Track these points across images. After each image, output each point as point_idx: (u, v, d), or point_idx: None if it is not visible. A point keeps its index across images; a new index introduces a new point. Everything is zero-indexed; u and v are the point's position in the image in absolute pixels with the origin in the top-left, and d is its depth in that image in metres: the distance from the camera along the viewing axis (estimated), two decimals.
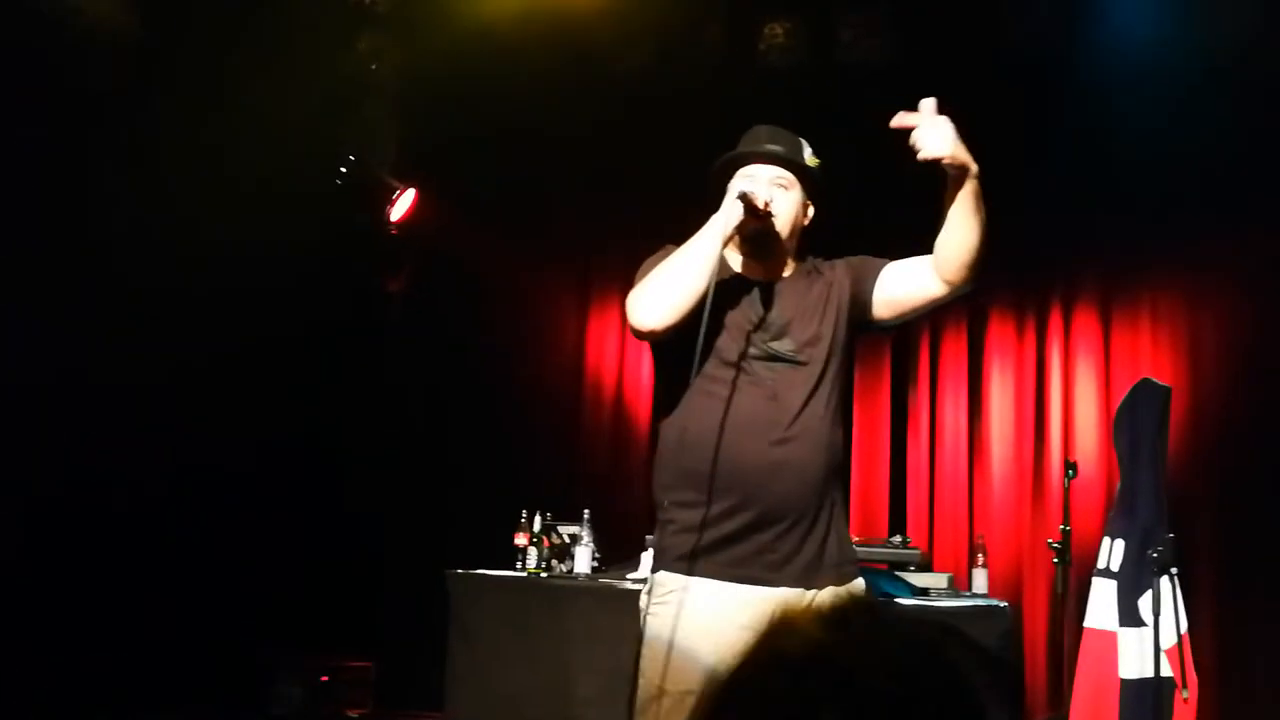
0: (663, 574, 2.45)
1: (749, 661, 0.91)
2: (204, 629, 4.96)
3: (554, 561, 4.67)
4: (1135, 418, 4.44)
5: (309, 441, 5.60)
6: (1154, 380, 4.59)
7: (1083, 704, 4.25)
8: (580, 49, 5.75)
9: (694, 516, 2.42)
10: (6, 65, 4.13)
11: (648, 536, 4.55)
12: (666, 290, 2.41)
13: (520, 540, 4.66)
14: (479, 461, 5.83)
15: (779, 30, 5.46)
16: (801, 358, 2.47)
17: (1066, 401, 5.41)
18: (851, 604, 0.98)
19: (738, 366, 2.46)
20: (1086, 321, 5.44)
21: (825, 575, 2.43)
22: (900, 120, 2.35)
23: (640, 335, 2.48)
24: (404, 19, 5.72)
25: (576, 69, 5.79)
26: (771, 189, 2.53)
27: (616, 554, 4.76)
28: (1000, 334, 5.55)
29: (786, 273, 2.60)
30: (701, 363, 2.42)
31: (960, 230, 2.42)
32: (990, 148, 5.37)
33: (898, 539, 4.71)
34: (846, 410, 2.69)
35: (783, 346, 2.48)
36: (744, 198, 2.43)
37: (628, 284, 6.00)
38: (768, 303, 2.51)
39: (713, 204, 2.64)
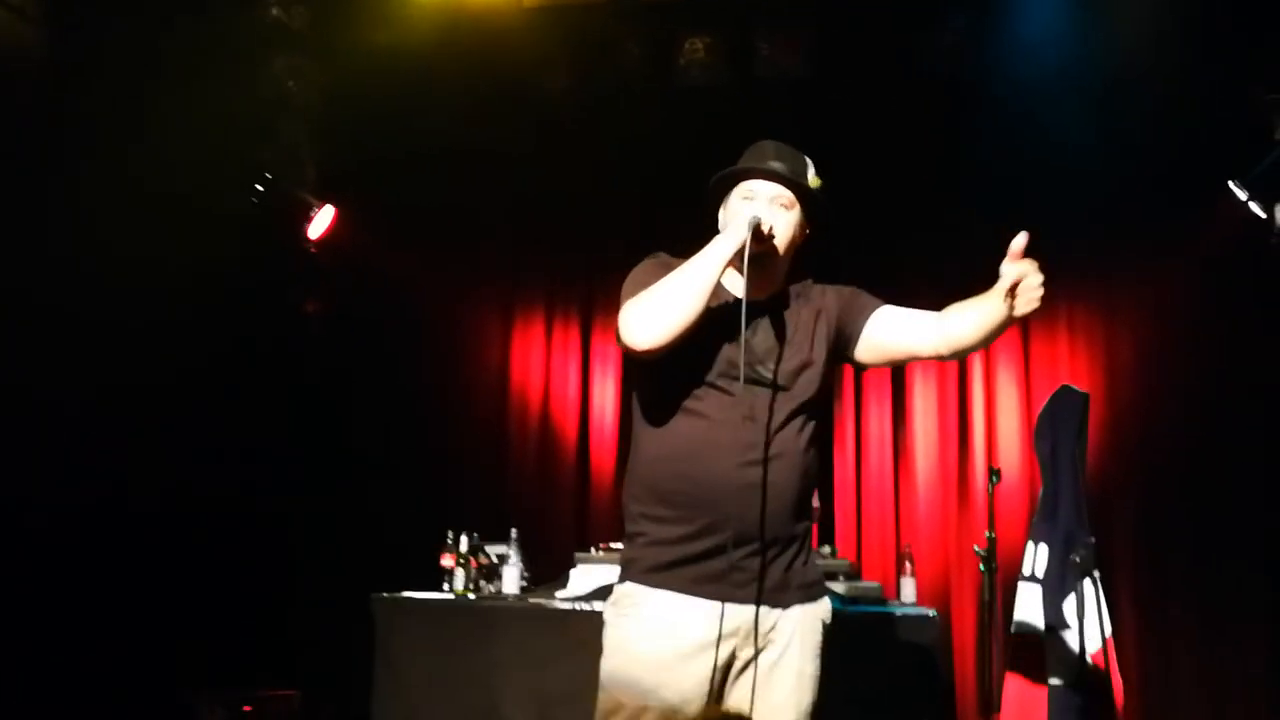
0: (629, 585, 2.43)
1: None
2: (122, 662, 4.81)
3: (482, 582, 4.60)
4: (1055, 424, 4.51)
5: (226, 464, 5.47)
6: (1073, 387, 4.67)
7: (1012, 709, 4.28)
8: (498, 69, 5.74)
9: (664, 531, 2.41)
10: None
11: (576, 554, 4.52)
12: (665, 311, 2.37)
13: (447, 561, 4.58)
14: (403, 482, 5.75)
15: (699, 45, 5.49)
16: (783, 382, 2.45)
17: (989, 409, 5.49)
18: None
19: (718, 386, 2.43)
20: (1006, 333, 5.52)
21: (793, 595, 2.43)
22: (1016, 254, 2.33)
23: (632, 353, 2.43)
24: (321, 38, 5.66)
25: (495, 88, 5.78)
26: (772, 208, 2.51)
27: (545, 573, 4.71)
28: None
29: (775, 293, 2.57)
30: (682, 380, 2.42)
31: (982, 336, 2.45)
32: (905, 159, 5.57)
33: (826, 549, 4.72)
34: (824, 436, 2.67)
35: (765, 370, 2.46)
36: (755, 224, 2.41)
37: (551, 300, 6.13)
38: (754, 324, 2.48)
39: (707, 217, 2.64)
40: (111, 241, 4.59)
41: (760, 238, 2.43)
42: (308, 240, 5.68)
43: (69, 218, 4.51)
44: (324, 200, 5.72)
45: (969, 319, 2.45)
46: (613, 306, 2.56)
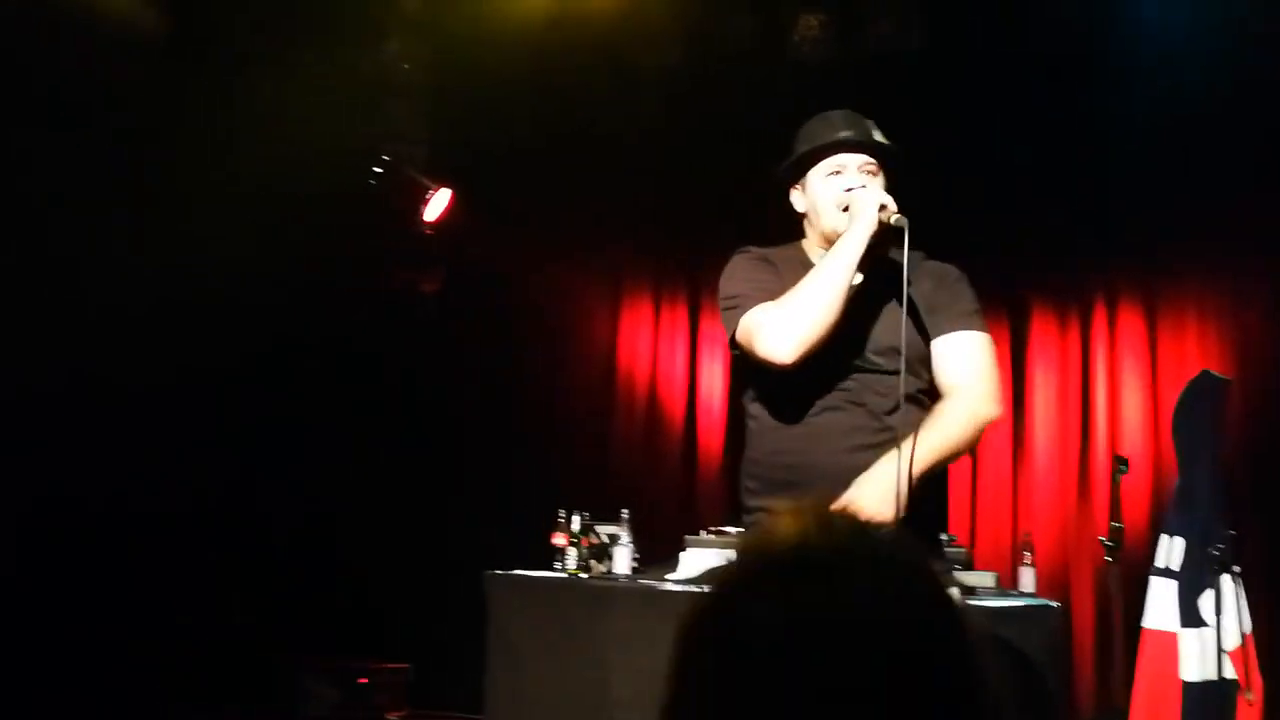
0: None
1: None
2: (241, 632, 4.94)
3: (593, 562, 4.61)
4: (1194, 412, 4.31)
5: (345, 443, 5.57)
6: (1213, 373, 4.45)
7: (1143, 706, 4.12)
8: (610, 49, 5.71)
9: None
10: (30, 68, 4.12)
11: (685, 536, 4.50)
12: (806, 323, 2.32)
13: (559, 541, 4.61)
14: (515, 461, 5.79)
15: (813, 23, 5.38)
16: (886, 365, 2.40)
17: (1112, 397, 5.29)
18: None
19: (829, 374, 2.40)
20: (1131, 316, 5.33)
21: None
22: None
23: (769, 364, 2.38)
24: (434, 20, 5.69)
25: (607, 69, 5.76)
26: (864, 178, 2.44)
27: (651, 555, 4.70)
28: (1043, 329, 5.45)
29: (867, 272, 2.45)
30: (795, 372, 2.37)
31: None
32: (1025, 137, 5.39)
33: (943, 537, 4.61)
34: None
35: (867, 353, 2.41)
36: (884, 216, 2.35)
37: (658, 282, 6.07)
38: (852, 307, 2.40)
39: (781, 195, 2.57)
40: (226, 227, 4.68)
41: (884, 226, 2.37)
42: (423, 223, 5.74)
43: (185, 204, 4.61)
44: (439, 183, 5.77)
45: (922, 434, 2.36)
46: (718, 285, 2.53)
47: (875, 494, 2.22)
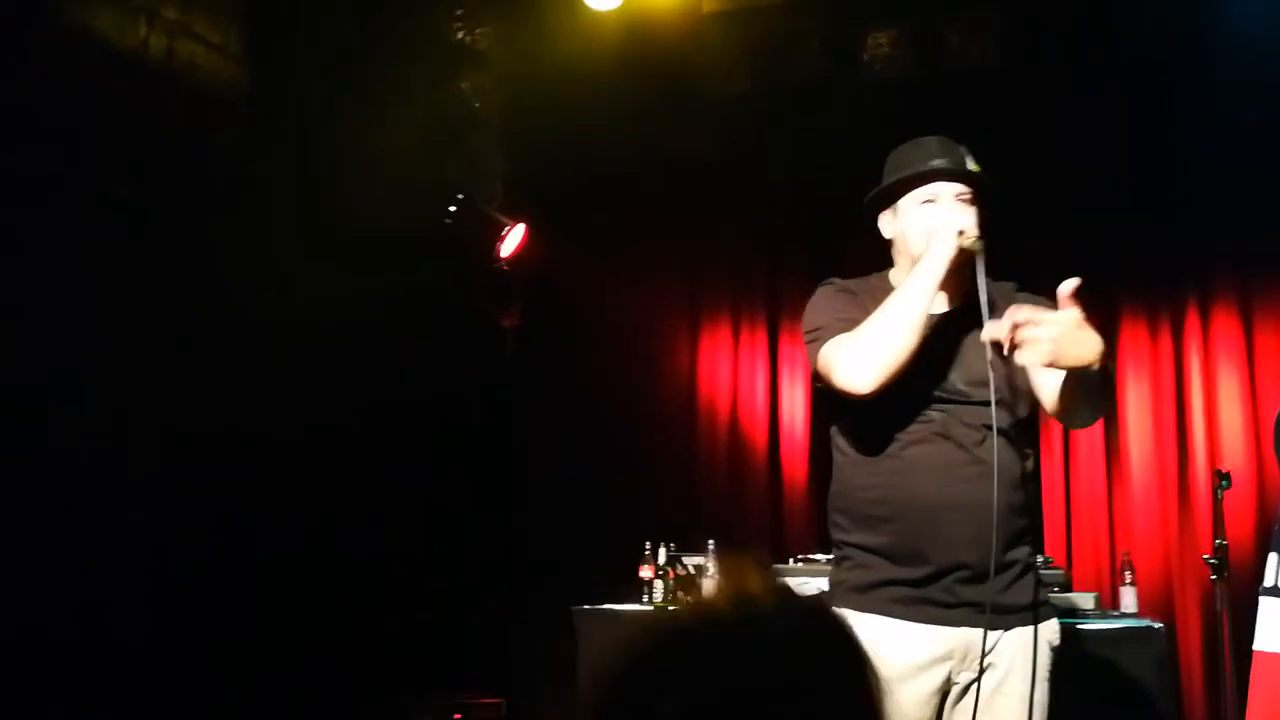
0: (837, 610, 2.38)
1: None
2: (337, 666, 4.99)
3: (680, 593, 4.58)
4: None
5: (431, 478, 5.62)
6: None
7: None
8: (679, 77, 5.73)
9: (871, 558, 2.36)
10: (124, 127, 4.23)
11: (774, 565, 4.45)
12: (883, 351, 2.28)
13: (645, 573, 4.59)
14: (601, 494, 5.79)
15: (883, 40, 5.33)
16: (974, 395, 2.34)
17: (1209, 407, 5.13)
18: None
19: (917, 405, 2.36)
20: (1226, 322, 5.17)
21: (1013, 617, 2.31)
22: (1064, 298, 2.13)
23: (846, 395, 2.35)
24: (505, 57, 5.76)
25: (676, 96, 5.76)
26: (959, 207, 2.40)
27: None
28: (1133, 337, 5.31)
29: (966, 300, 2.41)
30: (881, 404, 2.33)
31: (1069, 389, 2.28)
32: (1111, 145, 5.28)
33: (1039, 559, 4.49)
34: (1034, 442, 2.54)
35: (964, 385, 2.37)
36: (962, 241, 2.32)
37: (736, 309, 6.05)
38: (938, 336, 2.37)
39: (869, 224, 2.55)
40: (310, 269, 4.76)
41: (962, 251, 2.33)
42: (500, 258, 5.78)
43: (270, 248, 4.69)
44: (514, 218, 5.81)
45: (1061, 395, 2.31)
46: (797, 310, 2.50)
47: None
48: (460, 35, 5.69)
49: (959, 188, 2.41)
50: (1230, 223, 5.09)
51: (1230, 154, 4.98)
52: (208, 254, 4.47)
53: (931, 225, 2.37)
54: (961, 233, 2.32)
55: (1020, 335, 2.07)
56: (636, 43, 5.51)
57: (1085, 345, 2.07)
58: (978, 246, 2.30)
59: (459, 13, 5.63)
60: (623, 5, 5.32)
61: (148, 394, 4.24)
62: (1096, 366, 2.10)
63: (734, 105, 5.77)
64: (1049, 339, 2.05)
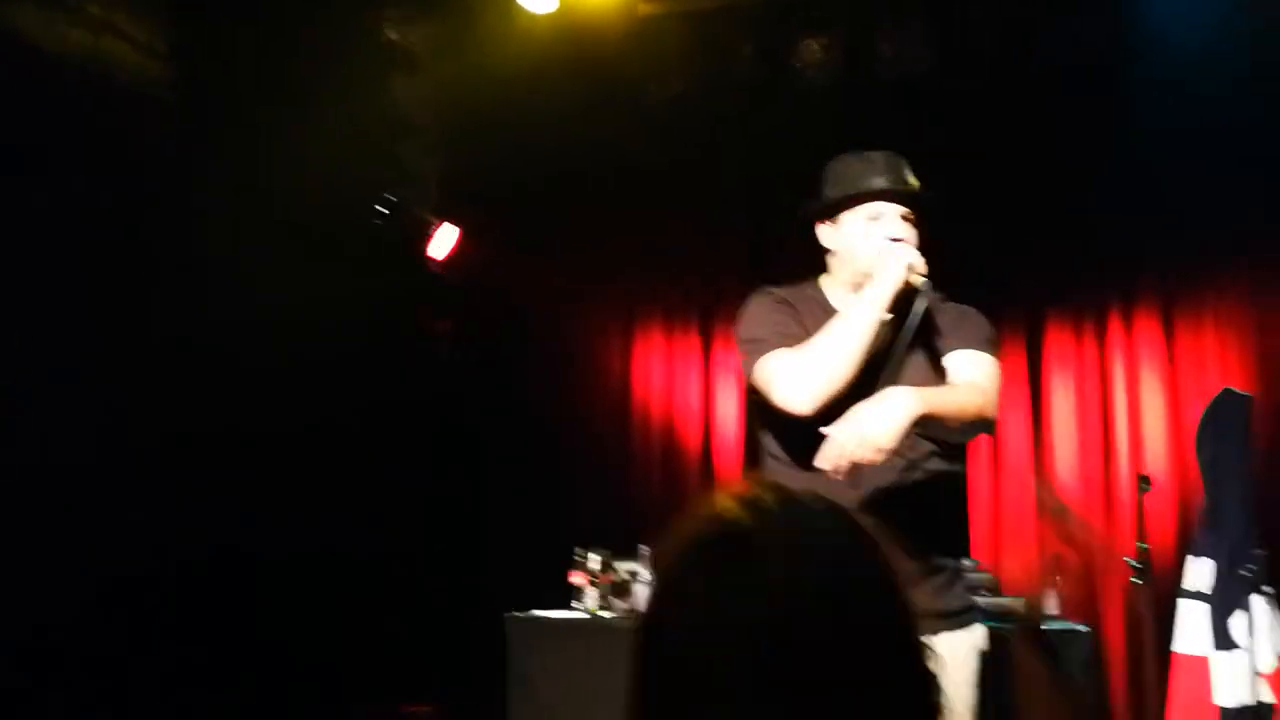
0: None
1: None
2: (263, 676, 4.90)
3: (612, 599, 4.57)
4: (1217, 430, 4.26)
5: (358, 483, 5.54)
6: (1235, 390, 4.42)
7: None
8: (613, 79, 5.71)
9: None
10: (46, 125, 4.12)
11: None
12: (825, 376, 2.31)
13: (577, 579, 4.57)
14: (531, 499, 5.75)
15: (816, 46, 5.36)
16: None
17: (1132, 412, 5.23)
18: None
19: (842, 413, 2.34)
20: (1148, 327, 5.27)
21: (939, 622, 2.32)
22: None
23: (788, 413, 2.37)
24: (438, 59, 5.70)
25: (610, 99, 5.75)
26: (902, 226, 2.42)
27: None
28: (1059, 341, 5.40)
29: (887, 324, 2.45)
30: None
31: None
32: (1038, 152, 5.36)
33: (968, 563, 4.55)
34: (961, 449, 2.56)
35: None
36: (910, 278, 2.35)
37: (671, 312, 6.04)
38: (871, 358, 2.38)
39: (805, 229, 2.55)
40: (238, 271, 4.66)
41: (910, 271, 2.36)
42: (432, 260, 5.73)
43: (197, 249, 4.59)
44: (447, 220, 5.76)
45: None
46: (733, 314, 2.51)
47: (873, 417, 2.15)
48: (393, 35, 5.62)
49: (904, 208, 2.43)
50: (1153, 229, 5.20)
51: (1154, 160, 5.08)
52: (131, 255, 4.36)
53: (881, 253, 2.38)
54: (911, 266, 2.33)
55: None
56: (572, 45, 5.49)
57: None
58: (924, 286, 2.31)
59: (391, 13, 5.57)
60: (559, 7, 5.30)
61: (70, 395, 4.13)
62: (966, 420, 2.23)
63: (669, 108, 5.76)
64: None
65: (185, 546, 4.49)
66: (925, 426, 2.22)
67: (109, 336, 4.28)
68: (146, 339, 4.36)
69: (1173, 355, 5.23)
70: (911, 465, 2.34)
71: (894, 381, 2.36)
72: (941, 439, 2.37)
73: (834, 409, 2.33)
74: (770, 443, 2.52)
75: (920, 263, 2.36)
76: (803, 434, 2.40)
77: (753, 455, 2.59)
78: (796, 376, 2.32)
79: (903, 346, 2.36)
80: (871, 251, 2.40)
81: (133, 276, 4.38)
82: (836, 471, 2.19)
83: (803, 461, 2.40)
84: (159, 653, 4.33)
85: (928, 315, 2.39)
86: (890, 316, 2.47)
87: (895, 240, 2.38)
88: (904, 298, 2.37)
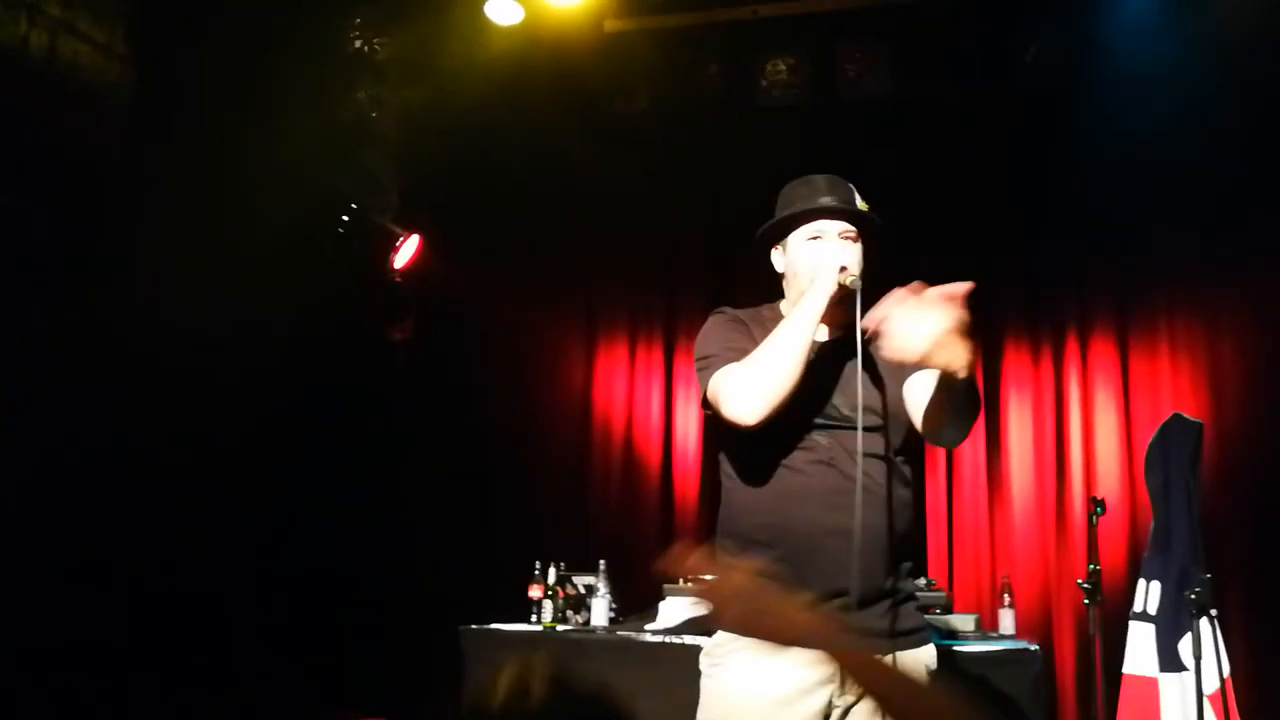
0: (721, 635, 2.41)
1: None
2: (214, 686, 4.84)
3: (570, 613, 4.55)
4: (1167, 454, 4.33)
5: (314, 494, 5.49)
6: (1185, 416, 4.49)
7: None
8: (578, 95, 5.74)
9: None
10: (2, 126, 4.06)
11: (665, 585, 4.45)
12: (768, 383, 2.33)
13: (535, 592, 4.55)
14: (490, 512, 5.73)
15: (781, 67, 5.41)
16: (867, 422, 2.36)
17: (1086, 435, 5.29)
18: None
19: (801, 432, 2.40)
20: (1104, 350, 5.34)
21: (892, 641, 2.34)
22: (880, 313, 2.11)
23: (735, 425, 2.38)
24: (403, 68, 5.69)
25: (575, 114, 5.77)
26: (843, 244, 2.47)
27: (631, 605, 4.64)
28: (1016, 363, 5.45)
29: (836, 330, 2.53)
30: (767, 431, 2.36)
31: (942, 424, 2.31)
32: (998, 174, 5.44)
33: (921, 581, 4.58)
34: (918, 469, 2.58)
35: (847, 411, 2.40)
36: (842, 279, 2.38)
37: (633, 327, 6.05)
38: (821, 365, 2.43)
39: (761, 257, 2.59)
40: (196, 277, 4.62)
41: (843, 287, 2.39)
42: (393, 270, 5.70)
43: (155, 255, 4.54)
44: (408, 229, 5.74)
45: (930, 410, 2.33)
46: (694, 330, 2.53)
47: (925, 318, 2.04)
48: (358, 45, 5.60)
49: (844, 225, 2.49)
50: (1109, 252, 5.27)
51: (1111, 184, 5.17)
52: (83, 257, 4.31)
53: (815, 263, 2.44)
54: (843, 269, 2.38)
55: (881, 325, 2.09)
56: (539, 59, 5.51)
57: (955, 350, 2.04)
58: (856, 285, 2.35)
59: (357, 21, 5.55)
60: (524, 20, 5.31)
61: (17, 401, 4.06)
62: (963, 375, 2.10)
63: (634, 124, 5.79)
64: (897, 317, 2.05)
65: (133, 559, 4.43)
66: (949, 390, 2.17)
67: (58, 341, 4.22)
68: (95, 344, 4.30)
69: (1127, 380, 5.30)
70: (873, 490, 2.35)
71: (850, 391, 2.38)
72: (929, 431, 2.37)
73: (784, 423, 2.35)
74: (727, 464, 2.54)
75: (854, 266, 2.41)
76: (756, 449, 2.43)
77: (712, 473, 2.61)
78: (740, 388, 2.36)
79: (854, 356, 2.37)
80: (810, 268, 2.44)
81: (84, 280, 4.32)
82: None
83: (757, 477, 2.42)
84: (100, 668, 4.26)
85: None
86: (838, 334, 2.51)
87: (831, 250, 2.44)
88: (848, 307, 2.39)
